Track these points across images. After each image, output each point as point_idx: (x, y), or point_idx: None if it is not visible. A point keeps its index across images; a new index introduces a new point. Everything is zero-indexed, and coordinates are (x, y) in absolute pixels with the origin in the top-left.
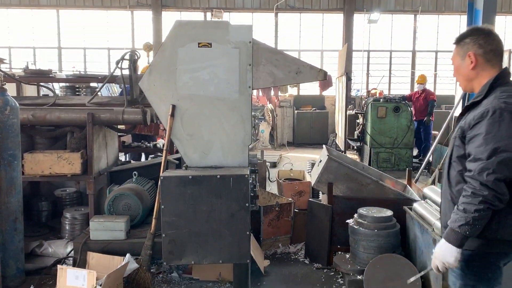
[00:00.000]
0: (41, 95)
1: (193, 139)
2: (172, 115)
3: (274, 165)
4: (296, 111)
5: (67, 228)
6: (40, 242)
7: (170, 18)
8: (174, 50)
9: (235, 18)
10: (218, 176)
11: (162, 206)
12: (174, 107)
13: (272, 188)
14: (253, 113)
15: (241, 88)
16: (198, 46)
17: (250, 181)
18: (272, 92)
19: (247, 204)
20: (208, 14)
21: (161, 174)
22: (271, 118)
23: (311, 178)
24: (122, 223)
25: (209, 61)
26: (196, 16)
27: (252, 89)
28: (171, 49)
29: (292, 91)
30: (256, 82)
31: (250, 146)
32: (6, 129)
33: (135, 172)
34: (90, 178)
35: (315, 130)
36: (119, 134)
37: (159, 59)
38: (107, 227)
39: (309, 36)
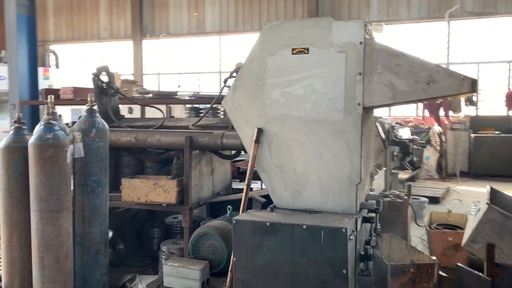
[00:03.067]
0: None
1: (282, 172)
2: (257, 140)
3: (436, 200)
4: (473, 135)
5: (163, 262)
6: (134, 275)
7: None
8: (263, 60)
9: (398, 32)
10: (305, 227)
11: (235, 259)
12: (260, 131)
13: (420, 234)
14: (413, 137)
15: (347, 106)
16: (292, 53)
17: (353, 236)
18: (442, 112)
19: (344, 271)
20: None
21: (237, 216)
22: (438, 142)
23: (465, 232)
24: (197, 271)
25: (305, 71)
26: None
27: (364, 107)
28: (259, 59)
29: (467, 110)
30: (369, 98)
31: (366, 186)
32: (91, 153)
33: (229, 206)
34: (186, 209)
35: (498, 159)
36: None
37: (245, 72)
38: (181, 274)
39: (489, 45)
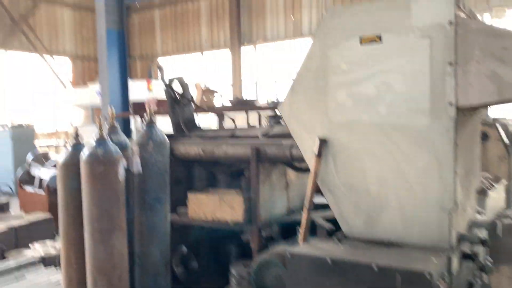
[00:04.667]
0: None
1: (352, 192)
2: (320, 154)
3: None
4: None
5: (234, 287)
6: None
7: None
8: (324, 54)
9: None
10: (375, 268)
11: None
12: (323, 142)
13: None
14: None
15: (434, 107)
16: (360, 43)
17: (443, 283)
18: None
19: None
20: (487, 15)
21: (292, 246)
22: None
23: None
24: None
25: (378, 65)
26: None
27: (458, 108)
28: (319, 54)
29: None
30: (464, 95)
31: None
32: (148, 167)
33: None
34: (254, 229)
35: None
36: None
37: (304, 71)
38: None
39: None
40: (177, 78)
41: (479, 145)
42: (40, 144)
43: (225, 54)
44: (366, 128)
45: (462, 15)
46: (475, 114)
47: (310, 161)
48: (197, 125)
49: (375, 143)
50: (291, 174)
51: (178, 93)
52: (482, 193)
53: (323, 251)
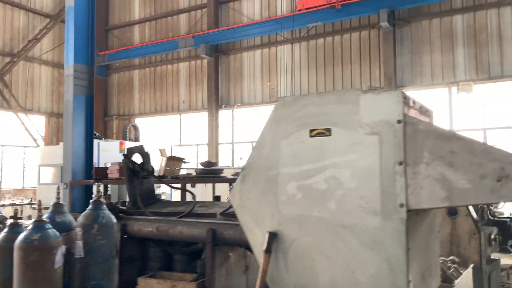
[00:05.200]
0: None
1: None
2: (269, 250)
3: None
4: None
5: None
6: None
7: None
8: (275, 144)
9: (493, 92)
10: None
11: None
12: (272, 236)
13: None
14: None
15: (385, 208)
16: (310, 135)
17: None
18: None
19: None
20: (454, 89)
21: None
22: None
23: None
24: None
25: (328, 159)
26: (440, 93)
27: (409, 210)
28: (271, 143)
29: None
30: (415, 196)
31: None
32: (91, 252)
33: None
34: None
35: None
36: None
37: (255, 159)
38: None
39: None
40: (137, 148)
41: (438, 236)
42: (4, 203)
43: (204, 116)
44: (316, 224)
45: (413, 112)
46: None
47: (260, 257)
48: (157, 197)
49: (326, 241)
50: (252, 255)
51: (137, 164)
52: (448, 281)
53: None
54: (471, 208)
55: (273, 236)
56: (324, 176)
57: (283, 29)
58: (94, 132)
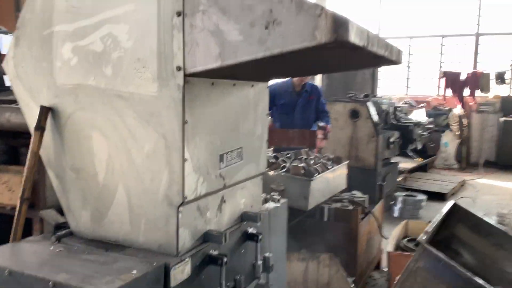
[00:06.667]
0: None
1: (81, 179)
2: (39, 126)
3: (442, 197)
4: (503, 119)
5: None
6: None
7: None
8: None
9: None
10: (51, 284)
11: None
12: (46, 111)
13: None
14: (425, 120)
15: (162, 72)
16: None
17: None
18: (467, 91)
19: None
20: None
21: None
22: (458, 126)
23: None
24: None
25: (105, 11)
26: None
27: (186, 74)
28: None
29: (498, 90)
30: (192, 57)
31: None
32: None
33: None
34: (36, 215)
35: None
36: None
37: (28, 13)
38: None
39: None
40: None
41: (266, 122)
42: None
43: None
44: (92, 94)
45: None
46: (247, 85)
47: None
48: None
49: (101, 116)
50: None
51: None
52: (308, 175)
53: (12, 257)
54: (372, 111)
55: (47, 111)
56: (101, 34)
57: None
58: None
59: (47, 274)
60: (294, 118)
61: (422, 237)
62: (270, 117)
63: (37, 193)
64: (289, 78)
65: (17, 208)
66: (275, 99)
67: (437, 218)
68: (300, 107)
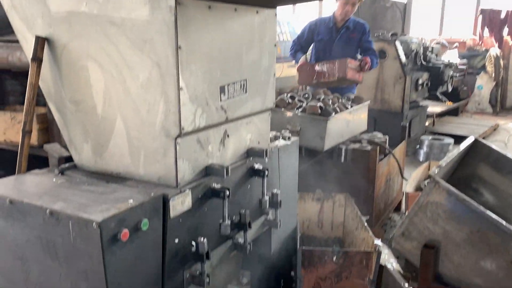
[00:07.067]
0: None
1: (80, 111)
2: (36, 57)
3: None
4: None
5: None
6: None
7: None
8: None
9: None
10: (48, 213)
11: None
12: (41, 41)
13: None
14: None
15: None
16: None
17: (121, 234)
18: (506, 31)
19: None
20: None
21: None
22: (494, 68)
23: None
24: None
25: None
26: None
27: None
28: None
29: None
30: None
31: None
32: None
33: None
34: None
35: None
36: None
37: None
38: None
39: None
40: None
41: (273, 54)
42: None
43: None
44: (86, 22)
45: None
46: (251, 11)
47: None
48: None
49: (96, 45)
50: None
51: None
52: (325, 114)
53: (14, 188)
54: (400, 51)
55: (43, 42)
56: None
57: None
58: None
59: (45, 203)
60: (330, 56)
61: (435, 171)
62: (305, 54)
63: (51, 132)
64: (332, 12)
65: (20, 141)
66: (313, 34)
67: (454, 153)
68: (338, 44)
